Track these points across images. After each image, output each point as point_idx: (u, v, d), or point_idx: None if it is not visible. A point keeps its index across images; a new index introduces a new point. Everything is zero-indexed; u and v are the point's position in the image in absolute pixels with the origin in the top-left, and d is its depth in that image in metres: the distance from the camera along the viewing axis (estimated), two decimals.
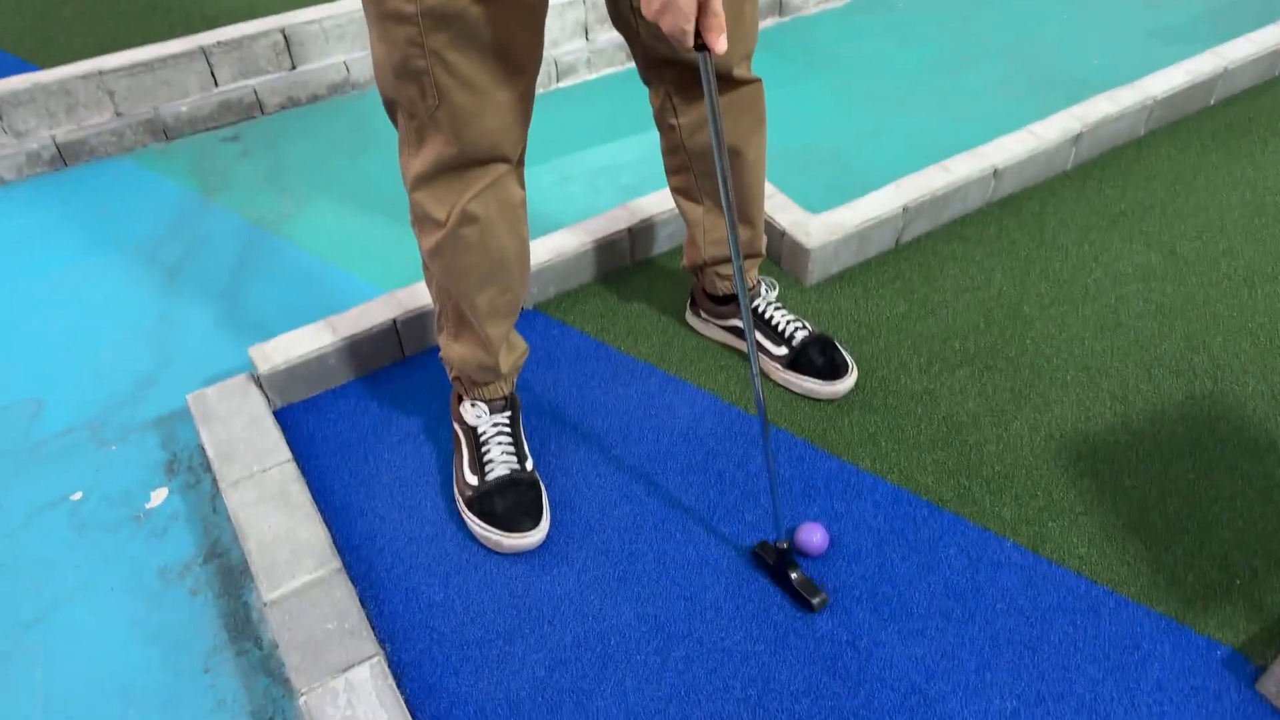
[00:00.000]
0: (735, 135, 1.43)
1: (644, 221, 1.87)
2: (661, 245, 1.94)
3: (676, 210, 1.88)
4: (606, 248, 1.85)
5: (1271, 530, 1.46)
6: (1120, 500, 1.51)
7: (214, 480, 1.54)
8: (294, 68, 2.49)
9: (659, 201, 1.90)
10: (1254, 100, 2.43)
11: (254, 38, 2.39)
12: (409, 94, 1.16)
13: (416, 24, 1.09)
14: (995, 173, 2.02)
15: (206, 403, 1.58)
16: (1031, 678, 1.30)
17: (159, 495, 1.58)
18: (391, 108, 1.21)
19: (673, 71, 1.38)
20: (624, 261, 1.91)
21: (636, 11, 1.31)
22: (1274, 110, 2.39)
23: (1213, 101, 2.39)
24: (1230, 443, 1.60)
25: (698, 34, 0.97)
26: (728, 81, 1.38)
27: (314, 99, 2.53)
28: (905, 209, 1.91)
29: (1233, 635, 1.34)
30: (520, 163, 1.30)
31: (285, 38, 2.42)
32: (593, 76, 2.62)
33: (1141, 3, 2.87)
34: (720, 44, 0.96)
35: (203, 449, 1.58)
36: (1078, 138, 2.11)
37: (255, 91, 2.44)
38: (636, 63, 1.42)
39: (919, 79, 2.57)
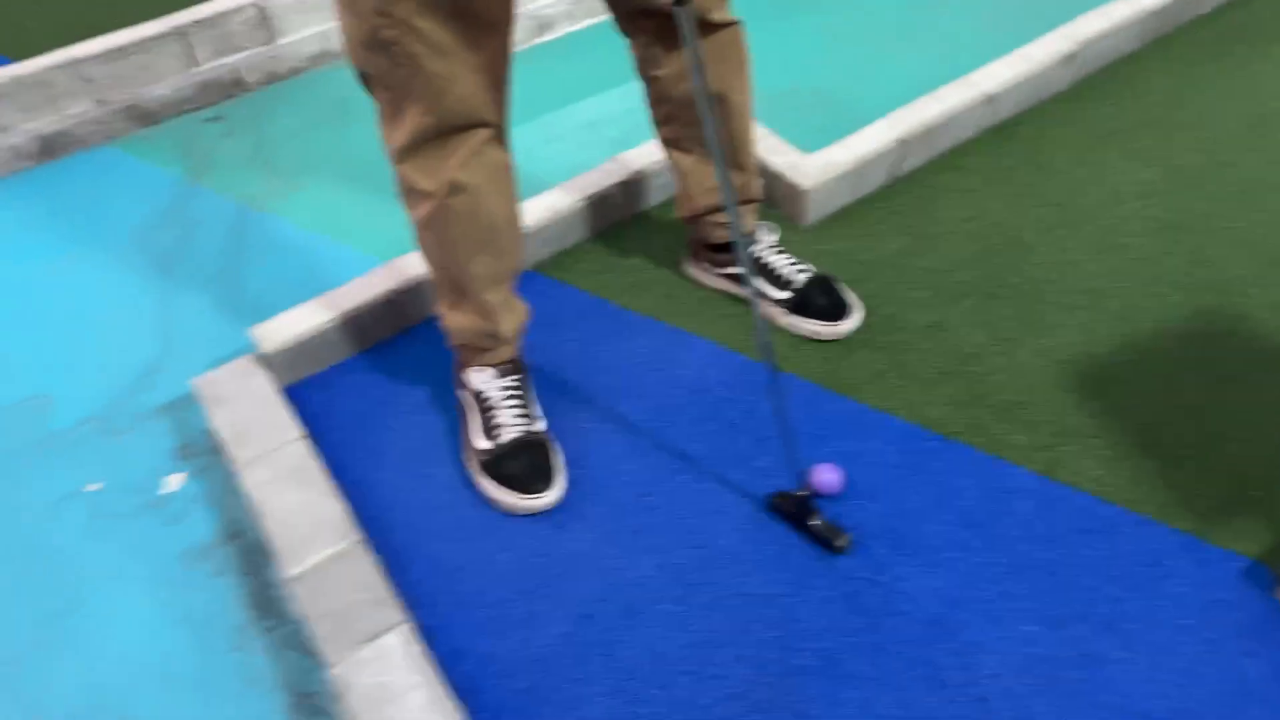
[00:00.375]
0: (719, 81, 1.41)
1: (635, 174, 1.85)
2: (655, 197, 1.92)
3: (667, 161, 1.86)
4: (599, 203, 1.84)
5: (1270, 438, 1.47)
6: (1131, 420, 1.51)
7: (227, 462, 1.54)
8: (271, 42, 2.45)
9: (649, 153, 1.88)
10: (1248, 6, 2.38)
11: (229, 14, 2.35)
12: (381, 65, 1.14)
13: None
14: (988, 99, 2.00)
15: (214, 386, 1.58)
16: (1052, 601, 1.31)
17: (174, 481, 1.58)
18: (366, 80, 1.19)
19: (651, 22, 1.35)
20: (618, 216, 1.89)
21: None
22: (1269, 17, 2.35)
23: (1207, 10, 2.34)
24: (1237, 356, 1.59)
25: None
26: (706, 26, 1.35)
27: (294, 72, 2.49)
28: (900, 142, 1.88)
29: (1251, 546, 1.35)
30: (504, 125, 1.28)
31: (261, 11, 2.38)
32: (575, 28, 2.58)
33: None
34: None
35: (213, 432, 1.58)
36: (1070, 57, 2.08)
37: (235, 69, 2.40)
38: (614, 16, 1.39)
39: (905, 10, 2.53)
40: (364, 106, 2.33)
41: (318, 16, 2.47)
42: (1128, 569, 1.34)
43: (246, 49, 2.41)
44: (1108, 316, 1.68)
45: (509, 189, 1.32)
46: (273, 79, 2.47)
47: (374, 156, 2.17)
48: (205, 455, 1.61)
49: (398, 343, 1.73)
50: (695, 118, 1.47)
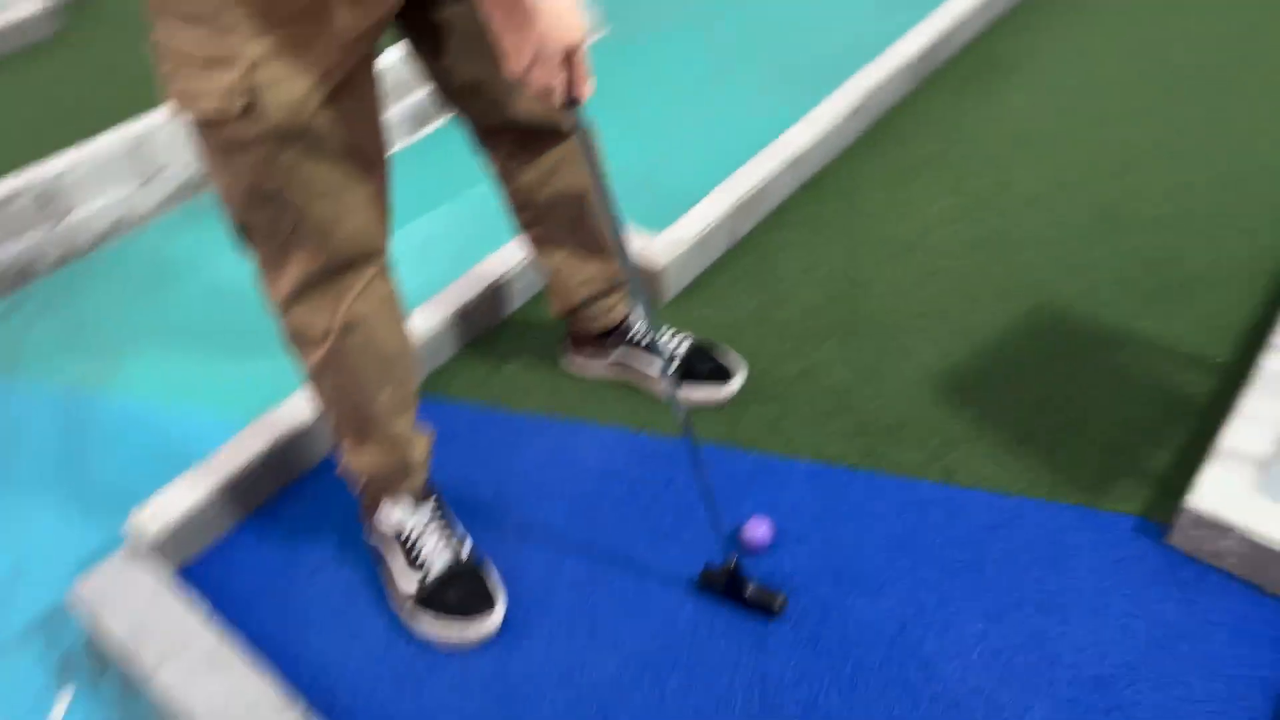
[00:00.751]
0: (580, 180, 1.47)
1: (495, 281, 1.87)
2: (520, 299, 1.94)
3: (524, 264, 1.90)
4: (467, 315, 1.84)
5: (1129, 406, 1.65)
6: (1001, 418, 1.66)
7: (122, 668, 1.40)
8: (61, 220, 2.30)
9: (504, 258, 1.91)
10: (987, 44, 2.72)
11: (7, 200, 2.20)
12: (264, 218, 1.11)
13: (263, 146, 1.05)
14: (795, 161, 2.17)
15: (95, 588, 1.44)
16: (987, 597, 1.39)
17: (62, 703, 1.41)
18: (244, 233, 1.16)
19: (509, 135, 1.40)
20: (488, 324, 1.90)
21: (468, 87, 1.31)
22: (1004, 49, 2.69)
23: (956, 49, 2.66)
24: (1070, 342, 1.78)
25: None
26: (560, 134, 1.42)
27: (94, 246, 2.35)
28: (731, 213, 2.01)
29: (1132, 504, 1.50)
30: (389, 252, 1.27)
31: (42, 192, 2.24)
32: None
33: None
34: (589, 89, 0.99)
35: (97, 639, 1.43)
36: (856, 110, 2.30)
37: (27, 254, 2.24)
38: (471, 133, 1.42)
39: (698, 93, 2.71)
40: (178, 267, 2.24)
41: (105, 186, 2.35)
42: (1041, 551, 1.45)
43: (34, 230, 2.26)
44: (952, 332, 1.84)
45: (400, 315, 1.31)
46: (72, 256, 2.32)
47: (205, 314, 2.09)
48: (93, 666, 1.45)
49: (284, 501, 1.64)
50: (562, 217, 1.51)
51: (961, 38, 2.67)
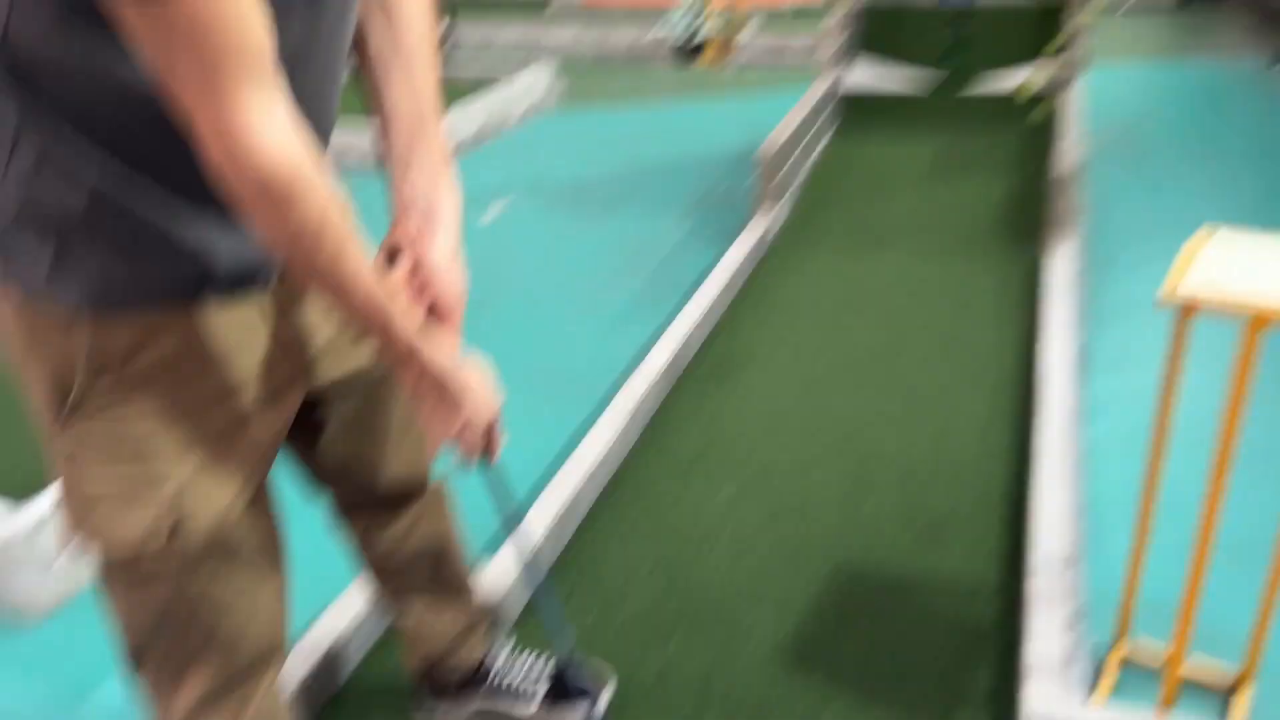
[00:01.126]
0: (440, 533, 1.52)
1: (332, 645, 1.79)
2: (354, 661, 1.86)
3: (359, 618, 1.84)
4: (305, 690, 1.72)
5: (940, 639, 1.87)
6: (846, 675, 1.81)
7: None
8: None
9: (335, 618, 1.84)
10: (716, 345, 3.12)
11: None
12: (166, 640, 1.06)
13: (179, 570, 1.02)
14: (588, 478, 2.32)
15: None
16: None
17: None
18: (139, 659, 1.08)
19: (370, 504, 1.42)
20: (328, 693, 1.78)
21: (338, 469, 1.34)
22: (734, 347, 3.08)
23: (696, 353, 3.04)
24: (872, 593, 2.01)
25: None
26: (422, 491, 1.47)
27: None
28: (545, 535, 2.10)
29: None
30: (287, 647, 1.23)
31: None
32: None
33: (588, 304, 3.52)
34: (499, 452, 1.11)
35: None
36: (631, 416, 2.54)
37: None
38: (331, 507, 1.43)
39: None
40: None
41: None
42: None
43: None
44: (776, 603, 2.00)
45: (287, 708, 1.23)
46: None
47: None
48: None
49: None
50: (422, 566, 1.51)
51: (696, 342, 3.07)
